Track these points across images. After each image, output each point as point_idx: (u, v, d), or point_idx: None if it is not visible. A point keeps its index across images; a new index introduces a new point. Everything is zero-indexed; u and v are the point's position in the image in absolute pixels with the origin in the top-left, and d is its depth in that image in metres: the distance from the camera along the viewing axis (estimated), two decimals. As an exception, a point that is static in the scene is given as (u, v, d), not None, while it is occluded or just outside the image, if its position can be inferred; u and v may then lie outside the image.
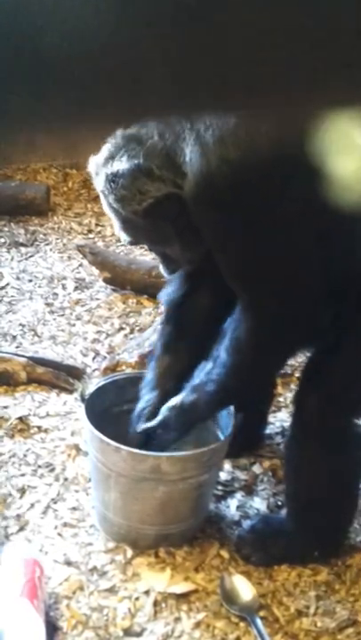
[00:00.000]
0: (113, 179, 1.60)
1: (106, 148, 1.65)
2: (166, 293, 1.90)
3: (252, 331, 1.61)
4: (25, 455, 2.10)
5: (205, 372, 1.71)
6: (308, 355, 1.81)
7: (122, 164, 1.59)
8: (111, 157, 1.62)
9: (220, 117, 1.49)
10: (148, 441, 1.78)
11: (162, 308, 1.96)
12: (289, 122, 1.49)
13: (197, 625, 1.66)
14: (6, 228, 3.32)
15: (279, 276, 1.56)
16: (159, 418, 1.76)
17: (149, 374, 1.87)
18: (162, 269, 1.79)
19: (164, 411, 1.76)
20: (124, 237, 1.73)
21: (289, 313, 1.58)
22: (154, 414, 1.80)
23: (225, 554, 1.83)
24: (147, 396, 1.85)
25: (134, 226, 1.66)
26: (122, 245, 3.12)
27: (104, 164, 1.63)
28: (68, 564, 1.77)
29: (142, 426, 1.79)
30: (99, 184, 1.66)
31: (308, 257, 1.56)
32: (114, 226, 1.74)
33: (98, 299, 2.87)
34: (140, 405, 1.84)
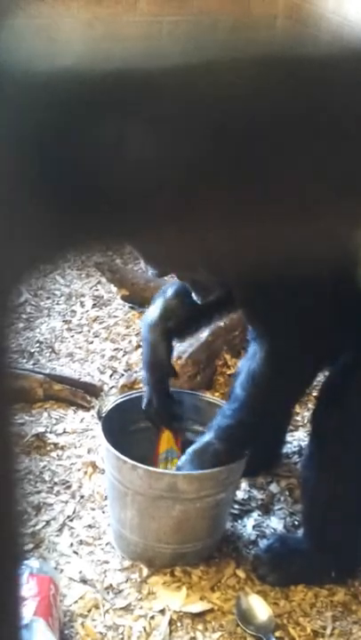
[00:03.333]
0: None
1: None
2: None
3: (265, 361, 1.62)
4: (41, 472, 2.10)
5: (221, 412, 1.73)
6: (327, 374, 1.81)
7: None
8: None
9: None
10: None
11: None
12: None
13: (213, 645, 1.64)
14: (25, 246, 3.35)
15: (294, 304, 1.56)
16: (178, 464, 1.77)
17: (153, 311, 1.87)
18: (194, 297, 1.76)
19: (184, 456, 1.77)
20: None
21: (303, 342, 1.58)
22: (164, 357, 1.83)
23: (241, 573, 1.82)
24: (150, 335, 1.86)
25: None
26: (140, 263, 3.14)
27: None
28: (84, 581, 1.77)
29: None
30: None
31: (324, 284, 1.56)
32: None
33: (116, 316, 2.89)
34: (144, 346, 1.87)
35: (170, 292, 1.87)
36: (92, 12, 3.56)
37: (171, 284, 1.91)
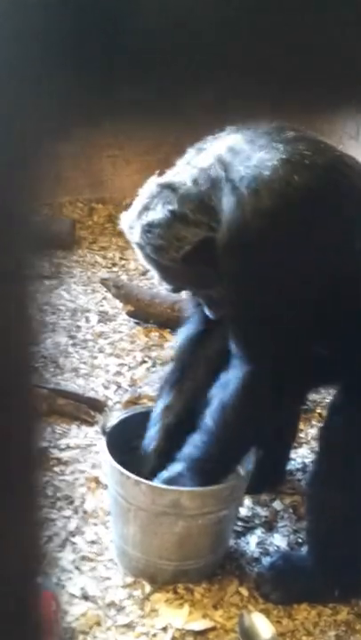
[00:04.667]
0: (148, 229, 1.59)
1: (139, 201, 1.64)
2: (181, 332, 1.93)
3: (238, 389, 1.62)
4: (44, 487, 2.09)
5: (192, 442, 1.73)
6: (334, 392, 1.81)
7: (156, 214, 1.58)
8: (145, 208, 1.61)
9: (255, 167, 1.50)
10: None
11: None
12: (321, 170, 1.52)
13: (215, 664, 1.63)
14: (31, 261, 3.37)
15: (281, 333, 1.57)
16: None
17: (155, 409, 1.89)
18: (207, 312, 1.76)
19: (157, 481, 1.75)
20: (166, 285, 1.72)
21: (282, 370, 1.59)
22: (157, 450, 1.82)
23: (244, 591, 1.81)
24: (150, 430, 1.87)
25: (175, 273, 1.65)
26: (145, 279, 3.15)
27: (138, 216, 1.62)
28: (86, 598, 1.76)
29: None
30: (134, 237, 1.63)
31: (310, 319, 1.57)
32: (154, 276, 1.73)
33: (121, 332, 2.89)
34: (145, 441, 1.87)
35: (165, 388, 1.89)
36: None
37: (165, 381, 1.92)
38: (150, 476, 1.76)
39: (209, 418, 1.69)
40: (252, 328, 1.59)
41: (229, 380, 1.65)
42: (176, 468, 1.74)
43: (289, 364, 1.60)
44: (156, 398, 1.92)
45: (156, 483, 1.74)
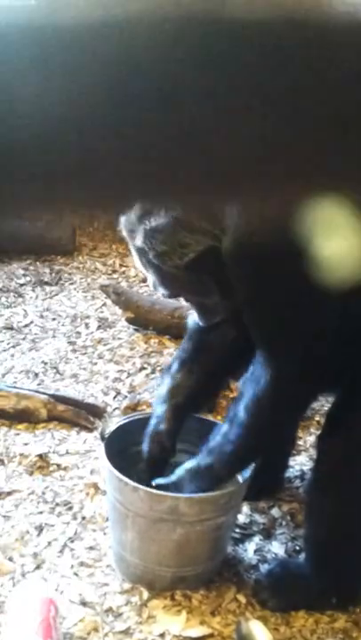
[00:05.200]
0: (152, 234, 1.57)
1: (139, 205, 1.63)
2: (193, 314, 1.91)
3: (271, 387, 1.61)
4: (43, 493, 2.10)
5: (222, 434, 1.70)
6: (333, 399, 1.82)
7: (160, 219, 1.57)
8: (148, 212, 1.60)
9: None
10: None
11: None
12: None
13: (212, 670, 1.63)
14: (32, 267, 3.37)
15: (302, 332, 1.57)
16: (173, 478, 1.75)
17: (162, 388, 1.87)
18: (198, 319, 1.76)
19: (179, 471, 1.75)
20: (163, 291, 1.70)
21: (306, 369, 1.60)
22: (169, 431, 1.81)
23: (242, 598, 1.81)
24: (158, 410, 1.85)
25: (175, 280, 1.64)
26: (145, 286, 3.16)
27: (140, 220, 1.61)
28: (84, 604, 1.77)
29: (155, 481, 1.79)
30: (136, 241, 1.62)
31: (327, 315, 1.58)
32: (149, 281, 1.71)
33: (120, 338, 2.90)
34: (153, 421, 1.85)
35: (175, 366, 1.87)
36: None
37: (174, 358, 1.91)
38: (161, 461, 1.75)
39: (242, 409, 1.66)
40: (274, 332, 1.59)
41: (260, 375, 1.64)
42: (204, 460, 1.72)
43: (312, 364, 1.60)
44: (163, 373, 1.89)
45: (170, 478, 1.73)
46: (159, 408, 1.85)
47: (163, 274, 1.64)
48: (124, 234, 1.67)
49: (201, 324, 1.75)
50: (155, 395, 1.89)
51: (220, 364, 1.80)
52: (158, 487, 1.75)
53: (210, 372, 1.82)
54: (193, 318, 1.90)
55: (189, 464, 1.74)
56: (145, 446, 1.83)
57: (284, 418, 1.70)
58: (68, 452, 2.26)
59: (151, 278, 1.69)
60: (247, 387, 1.68)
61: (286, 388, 1.63)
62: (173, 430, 1.83)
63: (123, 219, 1.67)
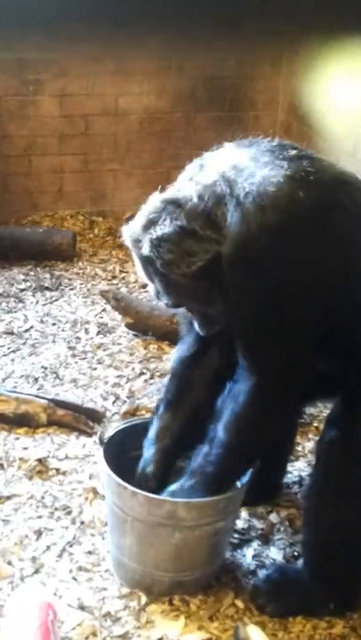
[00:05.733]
0: (159, 243, 1.58)
1: (142, 215, 1.63)
2: (178, 349, 1.92)
3: (251, 400, 1.62)
4: (43, 497, 2.11)
5: (203, 455, 1.71)
6: (332, 405, 1.83)
7: (165, 228, 1.58)
8: (152, 223, 1.61)
9: (260, 183, 1.52)
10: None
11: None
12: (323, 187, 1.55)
13: (210, 675, 1.63)
14: (32, 273, 3.38)
15: (287, 343, 1.59)
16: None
17: (151, 430, 1.88)
18: (198, 328, 1.76)
19: (166, 495, 1.75)
20: (166, 301, 1.70)
21: (289, 377, 1.61)
22: (156, 474, 1.82)
23: (240, 603, 1.81)
24: (146, 453, 1.86)
25: (181, 288, 1.65)
26: (145, 292, 3.17)
27: (145, 230, 1.61)
28: (82, 608, 1.77)
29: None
30: (143, 250, 1.62)
31: (313, 329, 1.59)
32: (152, 290, 1.71)
33: (120, 343, 2.91)
34: (141, 464, 1.85)
35: (161, 408, 1.88)
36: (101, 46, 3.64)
37: (159, 400, 1.91)
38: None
39: (221, 429, 1.67)
40: (259, 340, 1.60)
41: (240, 392, 1.65)
42: (188, 481, 1.73)
43: (294, 376, 1.62)
44: (152, 418, 1.91)
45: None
46: (147, 451, 1.86)
47: (169, 282, 1.64)
48: (128, 244, 1.67)
49: (202, 333, 1.75)
50: (151, 406, 1.89)
51: (204, 401, 1.81)
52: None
53: (195, 411, 1.83)
54: (177, 355, 1.91)
55: (173, 486, 1.75)
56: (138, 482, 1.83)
57: (264, 431, 1.70)
58: (67, 457, 2.27)
59: (155, 288, 1.69)
60: (226, 404, 1.68)
61: (268, 399, 1.63)
62: (161, 473, 1.84)
63: (126, 229, 1.67)
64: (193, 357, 1.84)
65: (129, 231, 1.66)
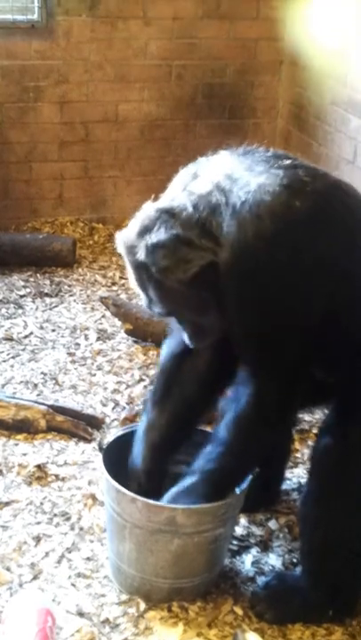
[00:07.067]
0: (154, 250, 1.58)
1: (137, 223, 1.64)
2: (167, 345, 1.91)
3: (252, 403, 1.64)
4: (42, 503, 2.11)
5: (205, 454, 1.72)
6: (327, 412, 1.83)
7: (161, 235, 1.58)
8: (147, 230, 1.60)
9: (255, 192, 1.53)
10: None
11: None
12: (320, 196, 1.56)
13: None
14: (32, 279, 3.39)
15: (286, 350, 1.60)
16: (163, 501, 1.75)
17: (140, 426, 1.88)
18: (188, 340, 1.74)
19: (167, 496, 1.76)
20: (159, 309, 1.69)
21: (289, 383, 1.62)
22: (145, 470, 1.82)
23: (239, 610, 1.81)
24: (135, 449, 1.86)
25: (176, 296, 1.64)
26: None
27: (140, 236, 1.61)
28: (81, 614, 1.77)
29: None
30: (138, 256, 1.62)
31: (311, 336, 1.60)
32: (144, 299, 1.69)
33: (119, 350, 2.91)
34: (131, 460, 1.86)
35: (148, 405, 1.88)
36: (104, 54, 3.65)
37: (145, 398, 1.90)
38: (142, 495, 1.75)
39: (223, 430, 1.68)
40: (259, 347, 1.61)
41: (242, 394, 1.66)
42: (189, 480, 1.73)
43: (293, 381, 1.62)
44: (140, 415, 1.91)
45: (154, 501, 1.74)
46: (136, 447, 1.86)
47: (164, 289, 1.63)
48: (122, 251, 1.67)
49: (191, 346, 1.74)
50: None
51: (193, 397, 1.81)
52: None
53: (183, 406, 1.83)
54: (166, 351, 1.91)
55: (176, 488, 1.75)
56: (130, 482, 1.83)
57: (265, 433, 1.71)
58: (66, 463, 2.27)
59: (147, 296, 1.68)
60: (229, 406, 1.70)
61: (268, 403, 1.64)
62: (150, 469, 1.84)
63: (120, 236, 1.68)
64: (182, 353, 1.84)
65: (123, 238, 1.66)
